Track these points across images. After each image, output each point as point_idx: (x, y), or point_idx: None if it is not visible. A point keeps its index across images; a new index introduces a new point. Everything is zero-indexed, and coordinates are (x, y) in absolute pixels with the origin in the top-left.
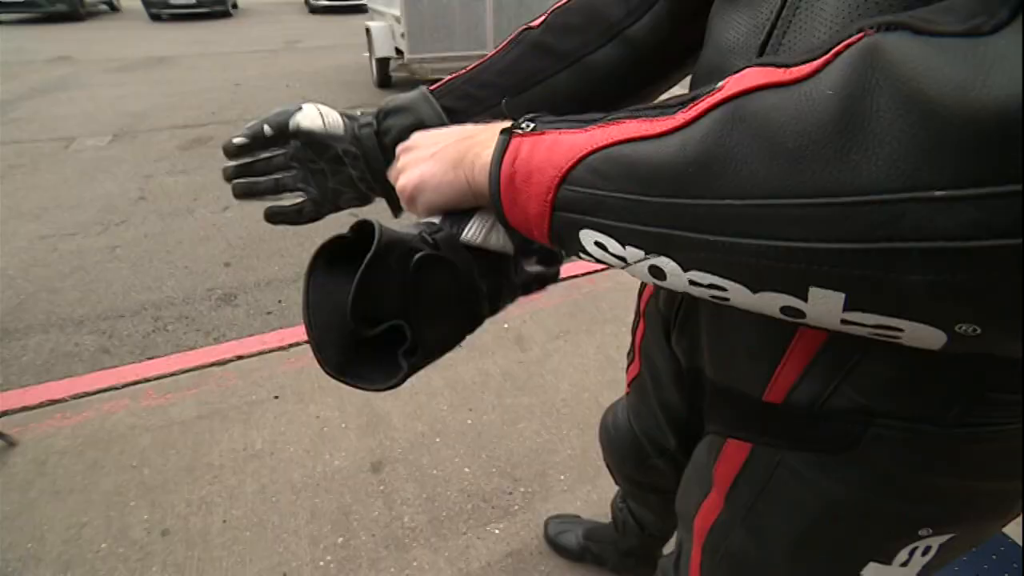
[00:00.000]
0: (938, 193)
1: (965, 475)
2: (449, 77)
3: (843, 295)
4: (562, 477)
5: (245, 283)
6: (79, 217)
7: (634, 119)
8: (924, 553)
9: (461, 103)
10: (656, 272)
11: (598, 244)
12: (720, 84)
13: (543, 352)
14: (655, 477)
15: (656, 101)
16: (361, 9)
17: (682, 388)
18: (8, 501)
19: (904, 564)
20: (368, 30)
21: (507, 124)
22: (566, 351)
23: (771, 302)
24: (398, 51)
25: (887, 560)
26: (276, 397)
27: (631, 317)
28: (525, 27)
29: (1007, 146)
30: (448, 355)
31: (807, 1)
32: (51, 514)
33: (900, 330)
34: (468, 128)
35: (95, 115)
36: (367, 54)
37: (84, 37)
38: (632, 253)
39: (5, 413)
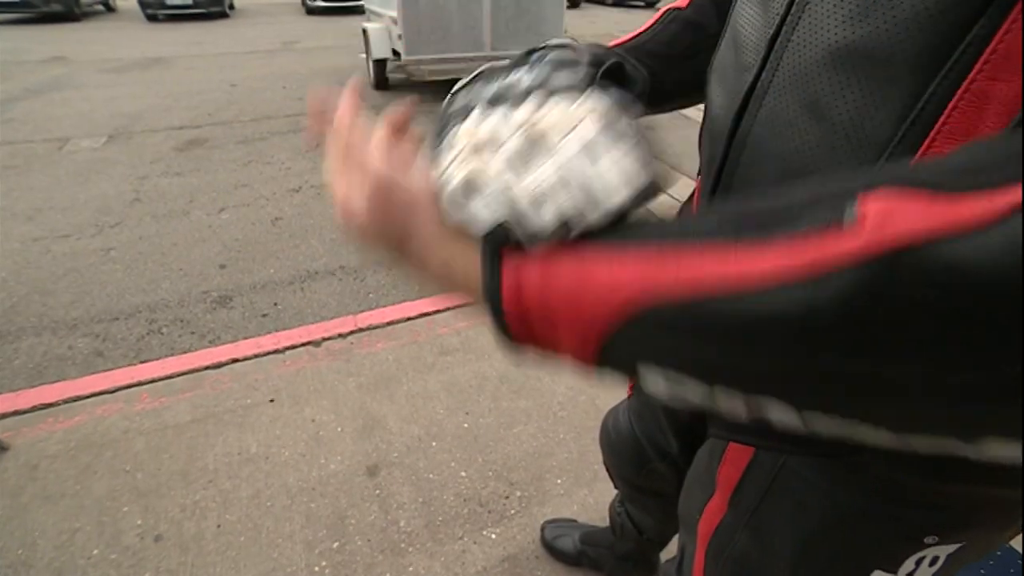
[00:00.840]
0: None
1: (970, 481)
2: (618, 41)
3: (1008, 440)
4: (559, 481)
5: (240, 285)
6: (73, 219)
7: (703, 245)
8: (932, 564)
9: (647, 64)
10: (756, 407)
11: (670, 380)
12: (852, 216)
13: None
14: (655, 481)
15: (698, 214)
16: (358, 10)
17: None
18: None
19: (910, 574)
20: (365, 31)
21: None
22: None
23: (920, 444)
24: (395, 52)
25: (893, 569)
26: (271, 400)
27: None
28: (671, 7)
29: None
30: (444, 358)
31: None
32: (42, 519)
33: None
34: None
35: (90, 116)
36: (363, 55)
37: (79, 37)
38: (722, 393)
39: None
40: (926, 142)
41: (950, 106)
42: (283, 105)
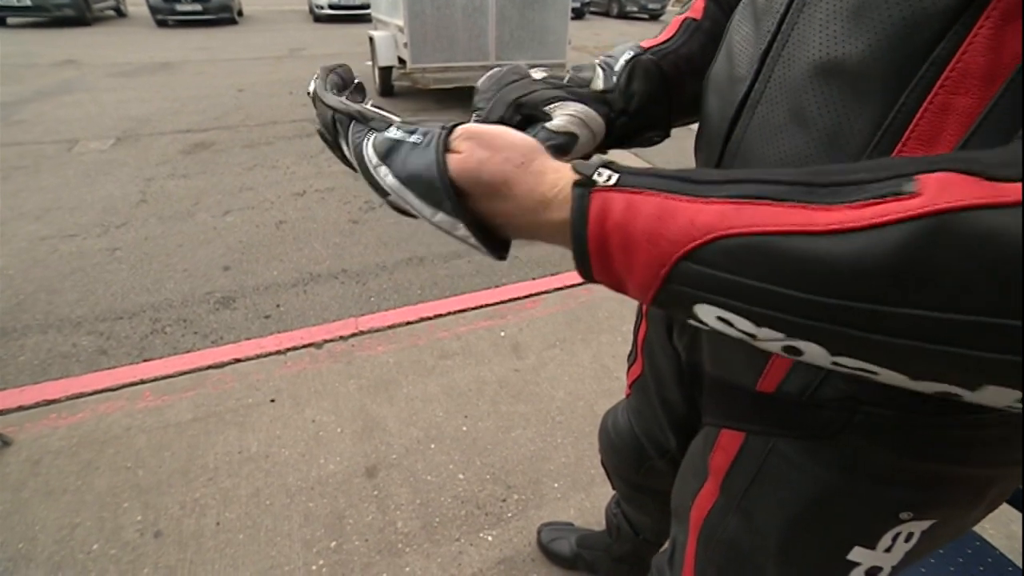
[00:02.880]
0: None
1: (941, 461)
2: (657, 41)
3: (1020, 393)
4: (556, 485)
5: (244, 287)
6: (80, 219)
7: (779, 203)
8: (907, 540)
9: (672, 70)
10: (791, 351)
11: (721, 319)
12: (913, 189)
13: (539, 360)
14: (654, 479)
15: (782, 171)
16: (365, 18)
17: (683, 386)
18: (1, 500)
19: (888, 550)
20: (372, 39)
21: (575, 173)
22: (562, 360)
23: (927, 387)
24: (400, 60)
25: (872, 544)
26: (272, 401)
27: (627, 327)
28: (687, 16)
29: None
30: (444, 362)
31: (805, 16)
32: (43, 514)
33: None
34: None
35: (98, 118)
36: (370, 63)
37: (90, 42)
38: (767, 334)
39: (1, 412)
40: (897, 147)
41: (917, 116)
42: (289, 111)
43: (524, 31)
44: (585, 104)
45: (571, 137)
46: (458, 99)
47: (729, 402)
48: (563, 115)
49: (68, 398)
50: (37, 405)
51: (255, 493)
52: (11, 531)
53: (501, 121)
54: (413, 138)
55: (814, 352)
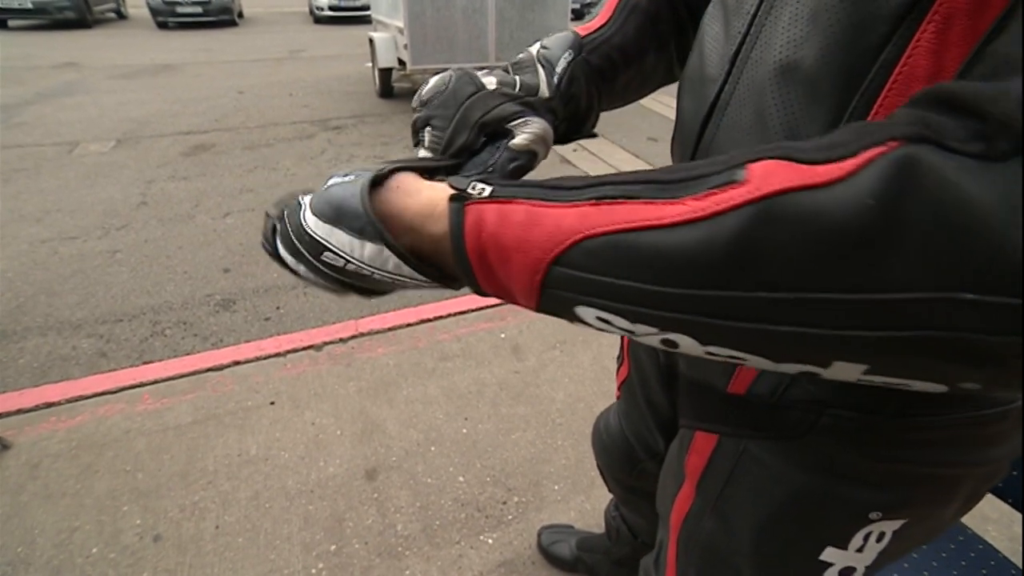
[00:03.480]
0: (968, 296)
1: (904, 462)
2: (592, 28)
3: (866, 366)
4: (556, 487)
5: (244, 289)
6: (80, 221)
7: (632, 201)
8: (879, 539)
9: (606, 65)
10: (669, 343)
11: (600, 319)
12: (743, 177)
13: (539, 362)
14: (646, 482)
15: (636, 172)
16: (365, 20)
17: (666, 387)
18: (0, 504)
19: (859, 550)
20: (372, 41)
21: (451, 189)
22: (562, 361)
23: (790, 368)
24: (400, 62)
25: (843, 545)
26: (272, 403)
27: None
28: None
29: None
30: (444, 364)
31: (772, 18)
32: (42, 518)
33: (911, 385)
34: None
35: (99, 120)
36: (369, 64)
37: (91, 44)
38: (643, 329)
39: (1, 415)
40: None
41: (868, 118)
42: (289, 112)
43: (524, 32)
44: (542, 117)
45: (532, 155)
46: None
47: (702, 403)
48: (525, 134)
49: (67, 401)
50: (36, 408)
51: (254, 496)
52: (10, 535)
53: (466, 146)
54: (347, 178)
55: (687, 343)
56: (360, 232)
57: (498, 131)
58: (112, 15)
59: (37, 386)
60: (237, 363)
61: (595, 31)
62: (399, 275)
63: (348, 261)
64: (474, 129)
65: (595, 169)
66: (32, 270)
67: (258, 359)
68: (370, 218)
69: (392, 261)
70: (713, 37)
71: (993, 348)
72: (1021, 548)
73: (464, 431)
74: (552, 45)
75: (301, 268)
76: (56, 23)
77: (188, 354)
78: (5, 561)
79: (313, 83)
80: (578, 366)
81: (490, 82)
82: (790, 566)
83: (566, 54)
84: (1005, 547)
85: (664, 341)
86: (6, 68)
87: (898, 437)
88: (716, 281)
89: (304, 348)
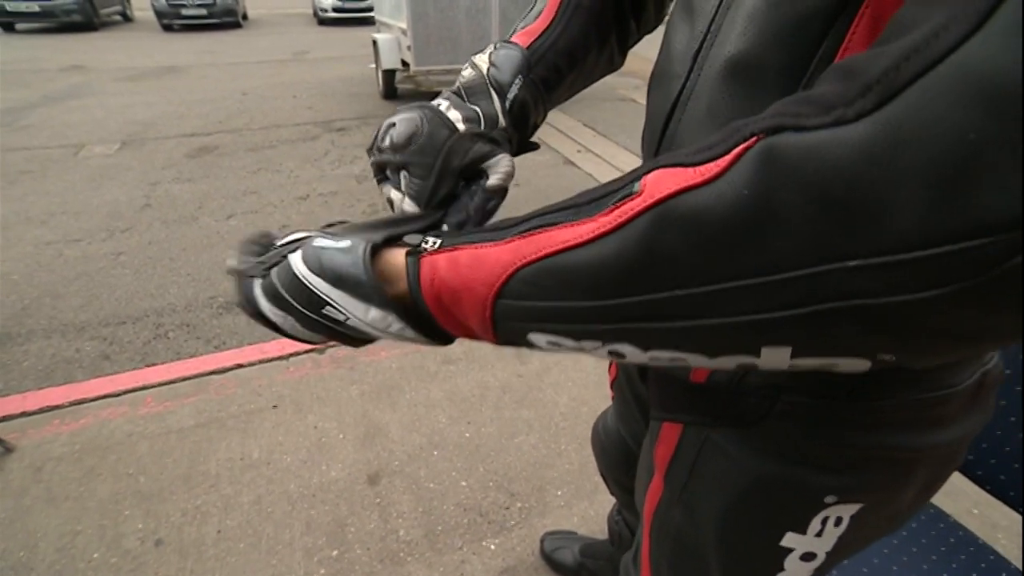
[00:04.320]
0: (851, 263)
1: (856, 445)
2: (537, 33)
3: (790, 348)
4: (559, 493)
5: None
6: (85, 223)
7: (554, 227)
8: (836, 524)
9: (552, 75)
10: (616, 354)
11: (551, 343)
12: (637, 188)
13: (542, 366)
14: None
15: (562, 202)
16: (368, 21)
17: (644, 379)
18: (2, 508)
19: (818, 534)
20: (375, 42)
21: (407, 246)
22: (565, 365)
23: (728, 362)
24: (404, 63)
25: (802, 530)
26: (274, 407)
27: None
28: None
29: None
30: (447, 367)
31: (729, 16)
32: (45, 522)
33: (836, 364)
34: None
35: (104, 123)
36: (373, 65)
37: (97, 47)
38: (588, 345)
39: (4, 418)
40: None
41: None
42: (293, 114)
43: None
44: (509, 154)
45: (504, 193)
46: None
47: (667, 394)
48: (498, 175)
49: (71, 404)
50: (40, 411)
51: (256, 500)
52: (12, 539)
53: (450, 194)
54: (340, 244)
55: (629, 351)
56: (366, 298)
57: (473, 173)
58: (118, 18)
59: (41, 389)
60: (240, 366)
61: (540, 36)
62: (400, 336)
63: (350, 317)
64: (455, 177)
65: (599, 170)
66: (37, 272)
67: (261, 362)
68: (378, 290)
69: (396, 325)
70: (679, 38)
71: (888, 310)
72: (1021, 549)
73: (467, 435)
74: (501, 65)
75: (289, 321)
76: (63, 26)
77: (191, 357)
78: (8, 566)
79: (317, 85)
80: (581, 370)
81: (457, 118)
82: (753, 553)
83: (516, 80)
84: (1002, 547)
85: (610, 352)
86: (13, 71)
87: (850, 420)
88: (634, 287)
89: (307, 351)
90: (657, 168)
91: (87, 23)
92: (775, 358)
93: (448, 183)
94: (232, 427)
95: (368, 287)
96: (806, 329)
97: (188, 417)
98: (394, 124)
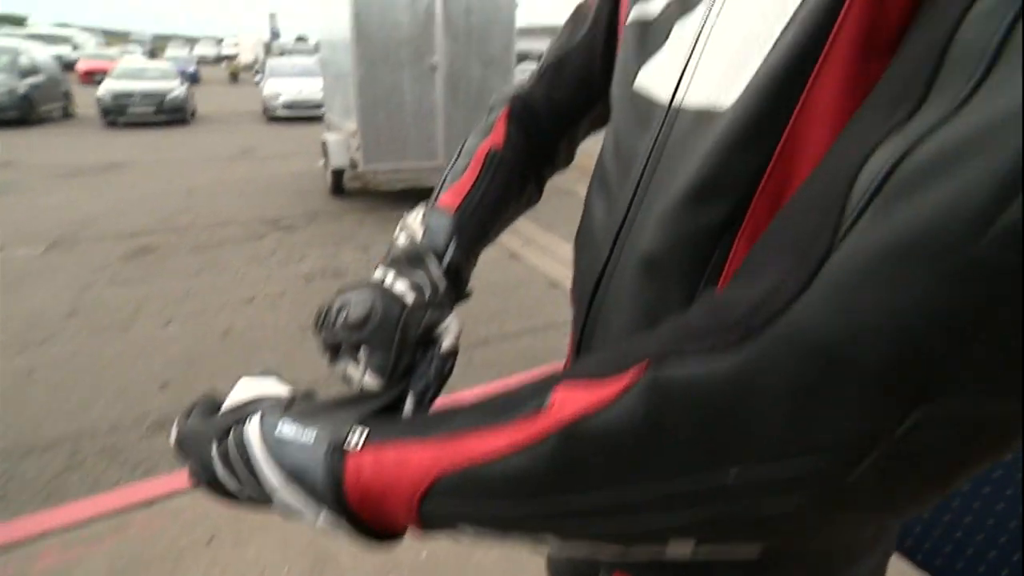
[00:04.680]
0: (734, 470)
1: None
2: (464, 192)
3: (693, 540)
4: None
5: (182, 407)
6: None
7: (472, 431)
8: None
9: (479, 231)
10: (538, 541)
11: (479, 532)
12: (547, 403)
13: None
14: None
15: (479, 400)
16: (316, 118)
17: None
18: None
19: None
20: (324, 143)
21: (331, 441)
22: None
23: (641, 551)
24: (353, 162)
25: None
26: (210, 540)
27: None
28: (491, 147)
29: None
30: None
31: (643, 213)
32: None
33: (734, 551)
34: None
35: (30, 223)
36: (321, 163)
37: (32, 143)
38: (513, 536)
39: None
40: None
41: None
42: (239, 212)
43: (470, 131)
44: (454, 314)
45: (457, 352)
46: (407, 199)
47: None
48: (450, 337)
49: None
50: None
51: None
52: None
53: (409, 365)
54: (304, 436)
55: (551, 540)
56: (320, 500)
57: (427, 339)
58: (57, 114)
59: None
60: (170, 495)
61: (467, 195)
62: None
63: (303, 512)
64: (413, 348)
65: (542, 262)
66: None
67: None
68: (338, 500)
69: (347, 528)
70: (599, 209)
71: (766, 507)
72: (1021, 549)
73: (423, 555)
74: (437, 231)
75: (246, 491)
76: None
77: (111, 488)
78: None
79: (264, 182)
80: None
81: (403, 289)
82: None
83: (451, 247)
84: None
85: (533, 540)
86: None
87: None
88: (549, 491)
89: None
90: (567, 379)
91: (23, 118)
92: (681, 548)
93: (408, 355)
94: (157, 571)
95: (326, 495)
96: (705, 528)
97: (99, 566)
98: (345, 306)
